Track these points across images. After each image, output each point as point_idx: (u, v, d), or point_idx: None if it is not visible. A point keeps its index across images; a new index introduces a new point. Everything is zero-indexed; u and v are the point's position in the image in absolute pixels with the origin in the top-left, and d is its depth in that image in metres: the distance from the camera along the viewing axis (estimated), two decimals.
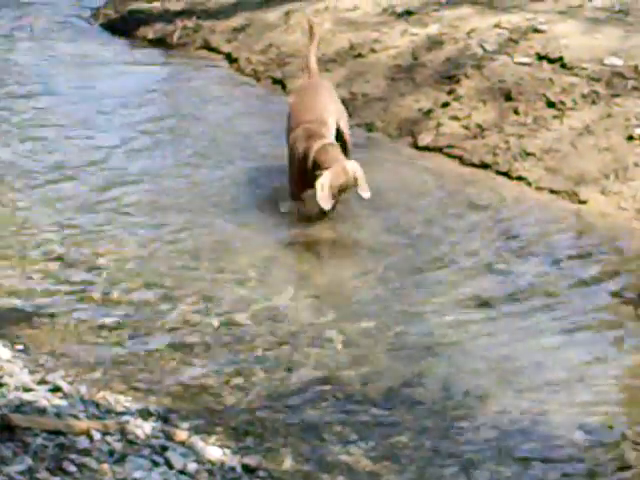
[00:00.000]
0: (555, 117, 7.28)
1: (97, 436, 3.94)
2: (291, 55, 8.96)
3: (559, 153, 7.01)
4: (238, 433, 4.37)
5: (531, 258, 5.97)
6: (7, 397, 4.15)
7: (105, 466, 3.75)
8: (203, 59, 9.68)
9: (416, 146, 7.54)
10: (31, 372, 4.58)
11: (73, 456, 3.75)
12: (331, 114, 6.64)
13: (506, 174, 7.02)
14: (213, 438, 4.28)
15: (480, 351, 5.08)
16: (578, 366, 4.96)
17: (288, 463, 4.21)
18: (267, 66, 9.05)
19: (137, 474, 3.78)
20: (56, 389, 4.40)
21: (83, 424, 4.00)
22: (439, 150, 7.43)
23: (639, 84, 7.33)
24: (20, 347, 4.93)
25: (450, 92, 7.80)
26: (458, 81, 7.84)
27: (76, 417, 4.11)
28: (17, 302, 5.41)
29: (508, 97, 7.55)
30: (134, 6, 10.83)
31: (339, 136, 6.64)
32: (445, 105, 7.72)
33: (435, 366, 4.94)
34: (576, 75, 7.53)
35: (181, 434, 4.20)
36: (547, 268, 5.86)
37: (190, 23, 10.19)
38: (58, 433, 3.88)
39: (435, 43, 8.40)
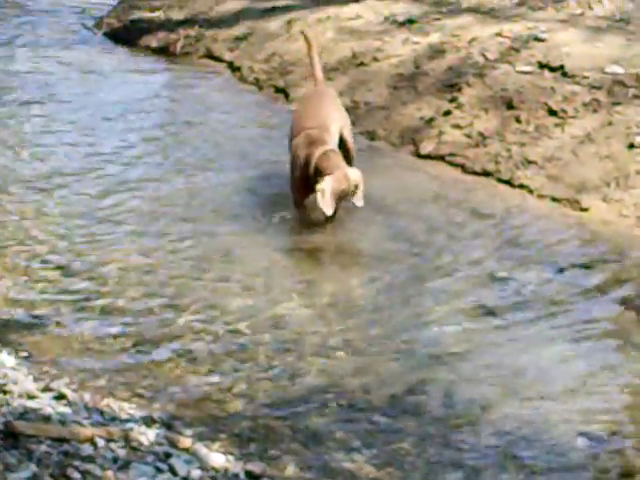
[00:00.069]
0: (556, 125, 7.30)
1: (101, 443, 3.94)
2: (293, 64, 9.00)
3: (561, 161, 7.02)
4: (242, 440, 4.37)
5: (534, 266, 5.97)
6: (11, 404, 4.15)
7: (109, 473, 3.76)
8: (206, 68, 9.71)
9: (418, 154, 7.56)
10: (35, 379, 4.58)
11: (77, 463, 3.76)
12: (334, 121, 6.66)
13: (508, 182, 7.04)
14: (217, 445, 4.28)
15: (483, 359, 5.08)
16: (582, 374, 4.95)
17: (291, 470, 4.22)
18: (269, 75, 9.08)
19: None
20: (60, 396, 4.41)
21: (87, 431, 4.01)
22: (441, 158, 7.45)
23: None
24: (24, 355, 4.93)
25: (452, 100, 7.83)
26: (460, 89, 7.86)
27: (80, 424, 4.12)
28: (21, 310, 5.42)
29: (510, 105, 7.57)
30: (137, 15, 10.88)
31: (342, 144, 6.66)
32: (447, 113, 7.74)
33: (438, 374, 4.94)
34: (577, 83, 7.56)
35: (185, 441, 4.20)
36: (550, 276, 5.86)
37: (193, 32, 10.22)
38: (62, 440, 3.89)
39: (437, 52, 8.43)
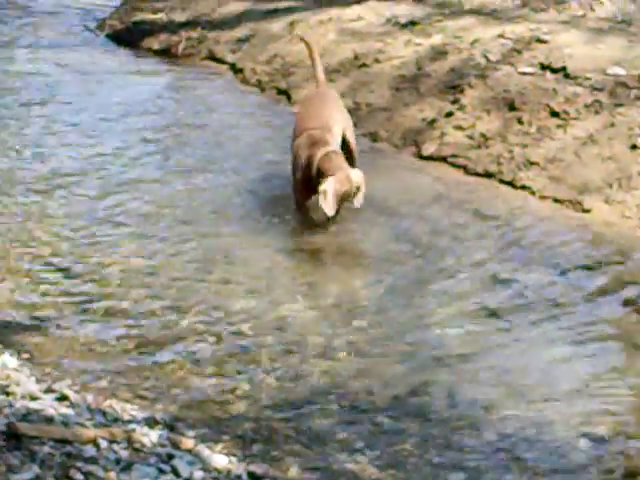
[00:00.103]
0: (559, 126, 7.30)
1: (104, 444, 3.94)
2: (295, 65, 9.00)
3: (563, 162, 7.02)
4: (244, 441, 4.37)
5: (537, 268, 5.97)
6: (14, 406, 4.15)
7: (112, 474, 3.76)
8: (208, 69, 9.72)
9: (420, 156, 7.56)
10: (38, 381, 4.58)
11: (80, 464, 3.75)
12: (337, 122, 6.67)
13: (510, 183, 7.04)
14: (219, 446, 4.28)
15: (486, 361, 5.08)
16: (585, 376, 4.95)
17: (294, 471, 4.22)
18: (272, 76, 9.09)
19: None
20: (63, 398, 4.41)
21: (90, 432, 4.01)
22: (443, 160, 7.45)
23: None
24: (26, 356, 4.94)
25: (454, 102, 7.83)
26: (462, 91, 7.87)
27: (83, 425, 4.12)
28: (23, 312, 5.42)
29: (512, 107, 7.58)
30: (139, 17, 10.89)
31: (345, 145, 6.67)
32: (449, 115, 7.75)
33: (441, 376, 4.94)
34: (579, 85, 7.56)
35: (187, 442, 4.20)
36: (553, 278, 5.85)
37: (195, 34, 10.24)
38: (65, 441, 3.89)
39: (439, 53, 8.43)
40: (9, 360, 4.75)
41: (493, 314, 5.48)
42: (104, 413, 4.35)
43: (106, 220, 6.55)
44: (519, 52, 8.12)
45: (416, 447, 4.41)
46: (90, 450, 3.88)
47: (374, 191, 6.58)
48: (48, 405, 4.25)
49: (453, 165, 7.38)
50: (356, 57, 8.78)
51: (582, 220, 6.53)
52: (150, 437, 4.13)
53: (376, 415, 4.62)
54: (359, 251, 6.38)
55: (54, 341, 5.14)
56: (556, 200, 6.78)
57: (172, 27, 10.51)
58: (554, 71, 7.79)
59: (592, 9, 8.86)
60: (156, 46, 10.37)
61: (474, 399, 4.74)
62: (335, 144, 6.51)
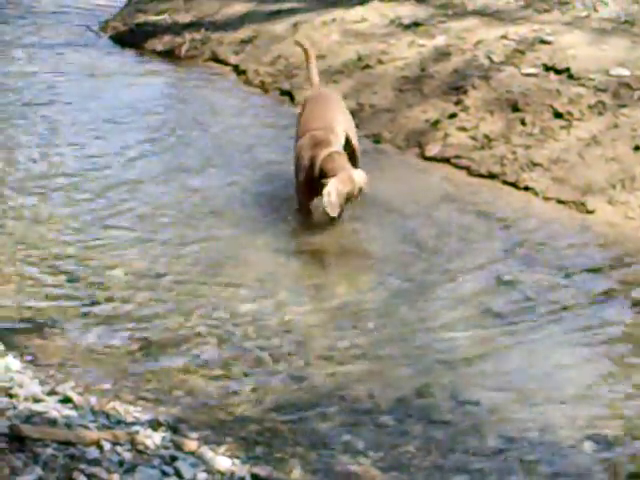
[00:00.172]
0: (562, 127, 7.29)
1: (107, 446, 3.95)
2: (299, 66, 8.99)
3: (566, 163, 7.02)
4: (247, 443, 4.37)
5: (541, 269, 5.96)
6: (17, 408, 4.16)
7: (115, 476, 3.76)
8: (211, 71, 9.72)
9: (424, 157, 7.56)
10: (41, 383, 4.58)
11: (83, 466, 3.76)
12: (340, 123, 6.67)
13: (513, 184, 7.04)
14: (223, 448, 4.28)
15: (490, 364, 5.07)
16: (589, 379, 4.94)
17: (297, 473, 4.22)
18: (275, 77, 9.09)
19: None
20: (66, 400, 4.41)
21: (93, 434, 4.01)
22: (447, 161, 7.45)
23: None
24: (30, 358, 4.94)
25: (457, 103, 7.83)
26: (465, 92, 7.86)
27: (86, 427, 4.12)
28: (26, 314, 5.42)
29: (515, 108, 7.57)
30: (142, 19, 10.90)
31: (347, 145, 6.67)
32: (452, 116, 7.74)
33: (445, 378, 4.93)
34: (583, 86, 7.55)
35: (191, 444, 4.20)
36: (557, 279, 5.84)
37: (198, 35, 10.24)
38: (68, 443, 3.89)
39: (442, 54, 8.43)
40: (12, 362, 4.75)
41: (497, 316, 5.47)
42: (107, 415, 4.35)
43: (108, 222, 6.55)
44: (522, 53, 8.12)
45: (420, 449, 4.40)
46: (93, 452, 3.88)
47: (377, 192, 6.58)
48: (51, 407, 4.25)
49: (456, 166, 7.37)
50: (359, 58, 8.78)
51: (586, 221, 6.53)
52: (153, 439, 4.13)
53: (380, 417, 4.62)
54: (363, 252, 6.38)
55: (57, 343, 5.14)
56: (560, 201, 6.77)
57: (175, 28, 10.52)
58: (558, 72, 7.79)
59: (595, 10, 8.85)
60: (159, 47, 10.38)
61: (478, 401, 4.74)
62: (338, 145, 6.51)
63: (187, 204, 6.85)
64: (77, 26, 11.35)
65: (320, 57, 8.99)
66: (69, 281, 5.77)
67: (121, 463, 3.88)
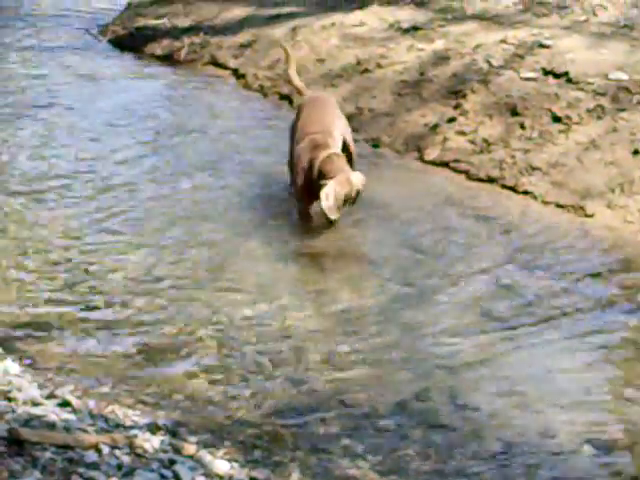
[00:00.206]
0: (561, 132, 7.30)
1: (106, 450, 3.94)
2: (297, 71, 8.98)
3: (565, 167, 7.02)
4: (246, 447, 4.37)
5: (539, 273, 5.96)
6: (16, 411, 4.16)
7: None
8: (210, 75, 9.73)
9: (423, 161, 7.56)
10: (40, 386, 4.58)
11: (82, 470, 3.76)
12: (337, 127, 6.69)
13: (512, 188, 7.04)
14: (221, 452, 4.28)
15: (490, 368, 5.06)
16: (588, 383, 4.93)
17: (296, 477, 4.21)
18: (274, 82, 9.09)
19: None
20: (65, 403, 4.41)
21: (92, 438, 4.01)
22: (445, 165, 7.45)
23: None
24: (29, 362, 4.94)
25: (456, 107, 7.83)
26: (464, 96, 7.87)
27: (85, 431, 4.12)
28: (25, 318, 5.42)
29: (514, 112, 7.58)
30: (142, 23, 10.91)
31: (344, 148, 6.67)
32: (451, 120, 7.75)
33: (444, 382, 4.93)
34: (582, 90, 7.56)
35: (189, 448, 4.20)
36: (556, 283, 5.84)
37: (197, 39, 10.24)
38: (67, 447, 3.89)
39: (441, 58, 8.44)
40: (11, 366, 4.75)
41: (497, 321, 5.47)
42: (106, 419, 4.35)
43: (106, 225, 6.55)
44: (521, 57, 8.12)
45: (419, 453, 4.40)
46: (92, 456, 3.88)
47: (376, 196, 6.58)
48: (50, 411, 4.25)
49: (455, 170, 7.37)
50: (358, 62, 8.79)
51: (585, 225, 6.53)
52: (152, 443, 4.13)
53: (379, 421, 4.61)
54: (362, 257, 6.37)
55: (56, 347, 5.14)
56: (559, 205, 6.77)
57: (175, 33, 10.52)
58: (556, 76, 7.79)
59: (594, 14, 8.86)
60: (159, 51, 10.38)
61: (478, 406, 4.74)
62: (337, 148, 6.52)
63: (186, 207, 6.84)
64: (76, 30, 11.35)
65: (319, 61, 9.02)
66: (68, 285, 5.77)
67: (120, 467, 3.87)
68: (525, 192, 6.97)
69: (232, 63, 9.72)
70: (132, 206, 6.84)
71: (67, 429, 4.09)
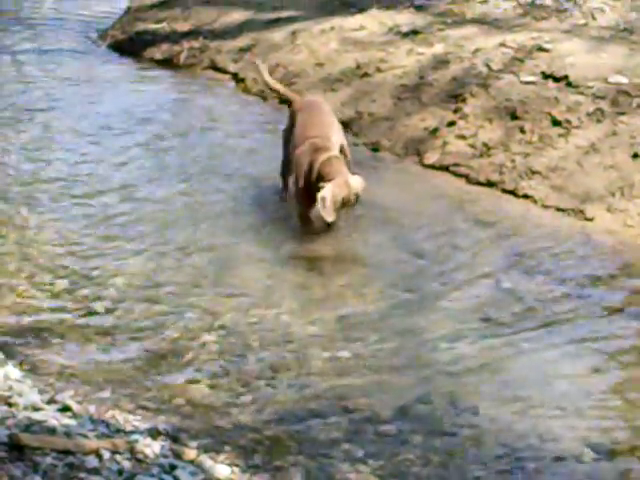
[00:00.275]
0: (561, 135, 7.30)
1: (106, 455, 3.94)
2: (297, 75, 9.02)
3: (565, 171, 7.02)
4: (247, 451, 4.36)
5: (539, 276, 5.96)
6: (17, 417, 4.15)
7: None
8: (210, 79, 9.73)
9: (422, 165, 7.56)
10: (40, 392, 4.58)
11: (82, 475, 3.76)
12: (335, 132, 6.70)
13: (512, 192, 7.04)
14: (222, 457, 4.28)
15: (490, 372, 5.06)
16: (589, 388, 4.93)
17: None
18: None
19: None
20: (65, 408, 4.41)
21: (92, 443, 4.01)
22: (445, 169, 7.46)
23: None
24: (29, 367, 4.94)
25: (456, 111, 7.83)
26: (464, 100, 7.87)
27: (85, 436, 4.12)
28: (26, 323, 5.42)
29: (514, 116, 7.58)
30: (141, 27, 10.92)
31: (341, 152, 6.68)
32: (451, 124, 7.75)
33: (444, 386, 4.93)
34: (581, 93, 7.56)
35: (190, 453, 4.20)
36: (555, 287, 5.84)
37: (197, 43, 10.25)
38: (67, 452, 3.89)
39: (441, 62, 8.44)
40: (12, 371, 4.75)
41: (498, 326, 5.46)
42: (107, 424, 4.35)
43: (106, 230, 6.55)
44: (521, 61, 8.12)
45: (419, 458, 4.40)
46: (92, 461, 3.88)
47: (376, 200, 6.57)
48: (51, 416, 4.25)
49: (455, 174, 7.38)
50: (358, 66, 8.79)
51: (585, 229, 6.53)
52: (153, 448, 4.13)
53: (380, 426, 4.61)
54: (362, 262, 6.37)
55: (57, 352, 5.14)
56: (558, 209, 6.77)
57: (174, 37, 10.53)
58: (556, 80, 7.79)
59: (594, 18, 8.87)
60: (158, 56, 10.39)
61: (477, 410, 4.73)
62: (336, 151, 6.52)
63: (184, 211, 6.85)
64: (76, 34, 11.37)
65: (319, 65, 9.02)
66: (69, 291, 5.77)
67: (120, 472, 3.87)
68: (525, 196, 6.97)
69: (232, 67, 9.73)
70: (131, 210, 6.85)
71: (68, 434, 4.09)
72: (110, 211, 6.81)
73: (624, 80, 7.58)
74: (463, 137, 7.60)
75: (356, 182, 6.27)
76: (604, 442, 4.50)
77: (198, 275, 6.01)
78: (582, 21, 8.84)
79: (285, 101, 8.88)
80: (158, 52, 10.42)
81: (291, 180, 6.63)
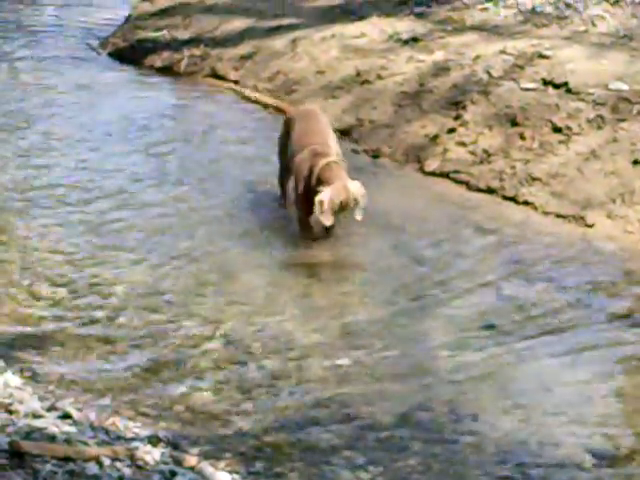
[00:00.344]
0: (561, 142, 7.30)
1: (107, 462, 3.94)
2: (298, 82, 9.02)
3: (565, 178, 7.02)
4: (247, 458, 4.36)
5: (539, 283, 5.96)
6: (17, 424, 4.15)
7: None
8: (210, 86, 9.74)
9: (423, 172, 7.56)
10: (41, 399, 4.58)
11: None
12: (332, 139, 6.72)
13: (513, 199, 7.04)
14: (222, 463, 4.28)
15: (491, 379, 5.06)
16: (589, 395, 4.93)
17: None
18: (274, 93, 9.10)
19: None
20: (66, 416, 4.41)
21: (93, 450, 4.01)
22: (446, 175, 7.46)
23: None
24: (29, 374, 4.93)
25: (456, 118, 7.84)
26: (464, 107, 7.87)
27: (86, 443, 4.12)
28: (26, 330, 5.42)
29: (514, 122, 7.58)
30: (142, 35, 10.92)
31: None
32: (451, 131, 7.75)
33: (443, 391, 4.93)
34: (582, 100, 7.56)
35: (190, 459, 4.20)
36: (557, 294, 5.84)
37: (197, 51, 10.26)
38: (68, 459, 3.88)
39: (441, 69, 8.45)
40: (12, 378, 4.75)
41: (499, 333, 5.45)
42: (107, 431, 4.35)
43: (106, 236, 6.55)
44: (521, 68, 8.13)
45: (419, 463, 4.40)
46: (93, 468, 3.88)
47: (376, 207, 6.57)
48: (51, 423, 4.25)
49: (455, 181, 7.38)
50: (358, 74, 8.80)
51: (585, 235, 6.52)
52: (153, 455, 4.13)
53: (380, 433, 4.61)
54: (363, 269, 6.36)
55: (57, 359, 5.14)
56: (559, 215, 6.77)
57: (175, 45, 10.53)
58: (556, 86, 7.79)
59: (594, 24, 8.87)
60: (159, 64, 10.39)
61: (478, 416, 4.73)
62: (335, 157, 6.53)
63: (184, 217, 6.85)
64: (77, 42, 11.37)
65: (319, 73, 9.03)
66: (69, 298, 5.77)
67: (121, 479, 3.87)
68: (525, 202, 6.97)
69: (232, 75, 9.73)
70: (131, 217, 6.85)
71: (68, 441, 4.09)
72: (110, 218, 6.81)
73: (624, 87, 7.58)
74: (463, 144, 7.60)
75: (355, 187, 6.27)
76: (605, 449, 4.50)
77: (198, 283, 6.01)
78: (582, 28, 8.84)
79: (281, 110, 8.92)
80: (159, 60, 10.43)
81: (290, 186, 6.63)
